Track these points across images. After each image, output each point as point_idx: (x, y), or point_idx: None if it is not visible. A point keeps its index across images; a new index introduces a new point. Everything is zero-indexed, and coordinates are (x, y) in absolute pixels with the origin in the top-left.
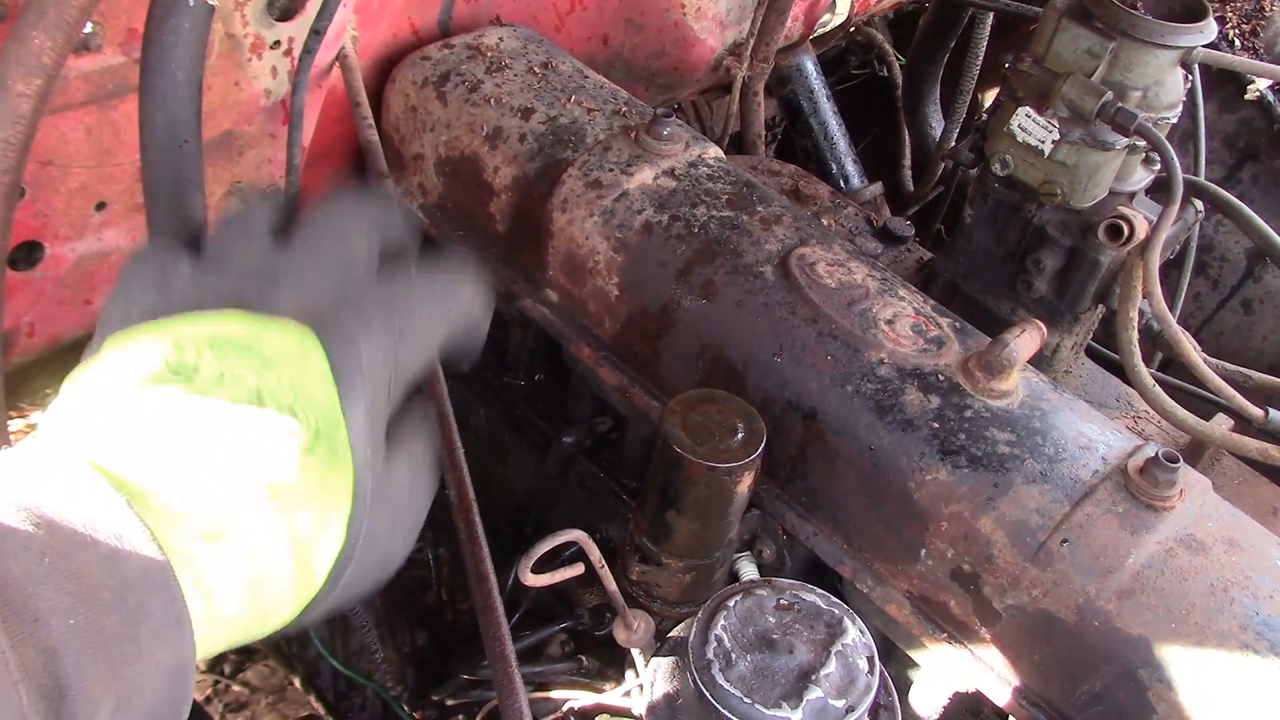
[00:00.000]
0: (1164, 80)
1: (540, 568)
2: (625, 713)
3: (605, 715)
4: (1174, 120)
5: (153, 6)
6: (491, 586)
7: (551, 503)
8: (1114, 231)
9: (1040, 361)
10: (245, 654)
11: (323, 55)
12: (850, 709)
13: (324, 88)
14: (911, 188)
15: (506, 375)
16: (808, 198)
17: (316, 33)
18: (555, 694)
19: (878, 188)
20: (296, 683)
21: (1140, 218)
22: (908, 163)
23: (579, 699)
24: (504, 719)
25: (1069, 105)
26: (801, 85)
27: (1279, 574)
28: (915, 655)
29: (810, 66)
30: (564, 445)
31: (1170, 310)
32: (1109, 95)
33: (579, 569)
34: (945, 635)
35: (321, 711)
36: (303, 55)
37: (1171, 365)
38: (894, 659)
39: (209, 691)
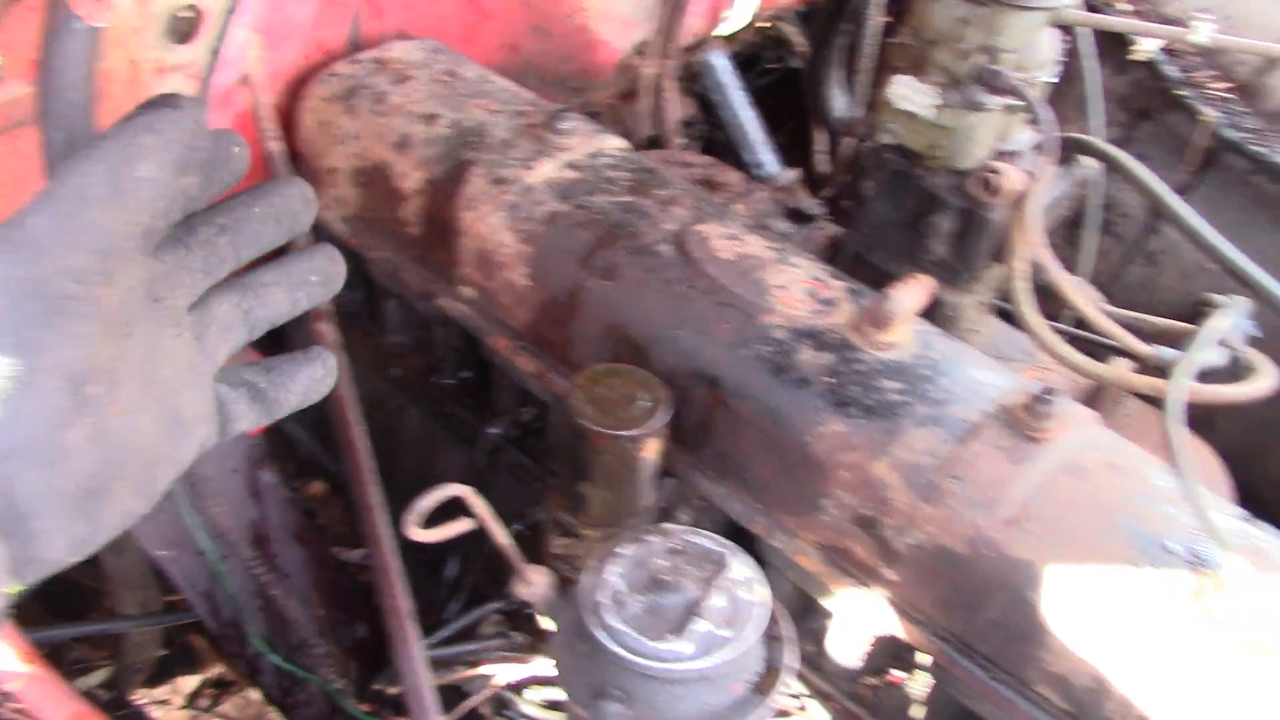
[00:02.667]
0: (1035, 42)
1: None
2: (555, 680)
3: (535, 685)
4: (1049, 79)
5: (44, 35)
6: (386, 547)
7: (483, 494)
8: (987, 184)
9: (945, 320)
10: (221, 686)
11: (225, 75)
12: (736, 637)
13: (232, 107)
14: (827, 170)
15: (433, 375)
16: (720, 185)
17: (215, 53)
18: (486, 669)
19: (794, 174)
20: (273, 715)
21: (1013, 170)
22: (820, 147)
23: (510, 673)
24: (401, 674)
25: (944, 71)
26: (712, 80)
27: (1159, 493)
28: (828, 604)
29: (720, 61)
30: (490, 436)
31: (1079, 268)
32: (981, 58)
33: (468, 524)
34: (853, 580)
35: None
36: (205, 76)
37: (1084, 324)
38: (814, 612)
39: None
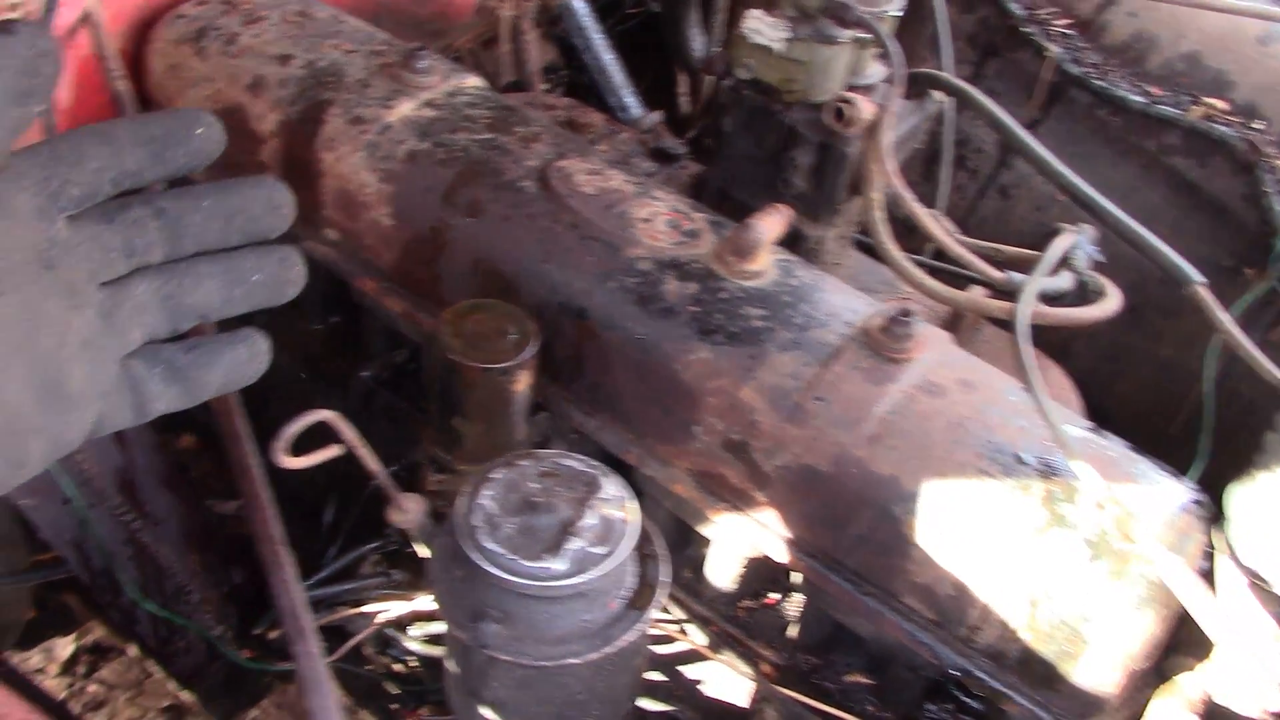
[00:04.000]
0: None
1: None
2: (437, 615)
3: (420, 621)
4: (896, 13)
5: None
6: (255, 475)
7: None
8: (839, 114)
9: (808, 254)
10: (98, 653)
11: (64, 15)
12: (610, 554)
13: (74, 49)
14: (690, 111)
15: (302, 321)
16: (583, 126)
17: None
18: (370, 609)
19: (657, 116)
20: (157, 674)
21: (863, 100)
22: (682, 89)
23: (393, 609)
24: (276, 598)
25: (794, 5)
26: (572, 23)
27: (1010, 407)
28: (705, 530)
29: (578, 4)
30: (362, 380)
31: (936, 203)
32: None
33: (337, 449)
34: (727, 505)
35: (177, 692)
36: (44, 16)
37: (943, 255)
38: (692, 540)
39: (65, 694)
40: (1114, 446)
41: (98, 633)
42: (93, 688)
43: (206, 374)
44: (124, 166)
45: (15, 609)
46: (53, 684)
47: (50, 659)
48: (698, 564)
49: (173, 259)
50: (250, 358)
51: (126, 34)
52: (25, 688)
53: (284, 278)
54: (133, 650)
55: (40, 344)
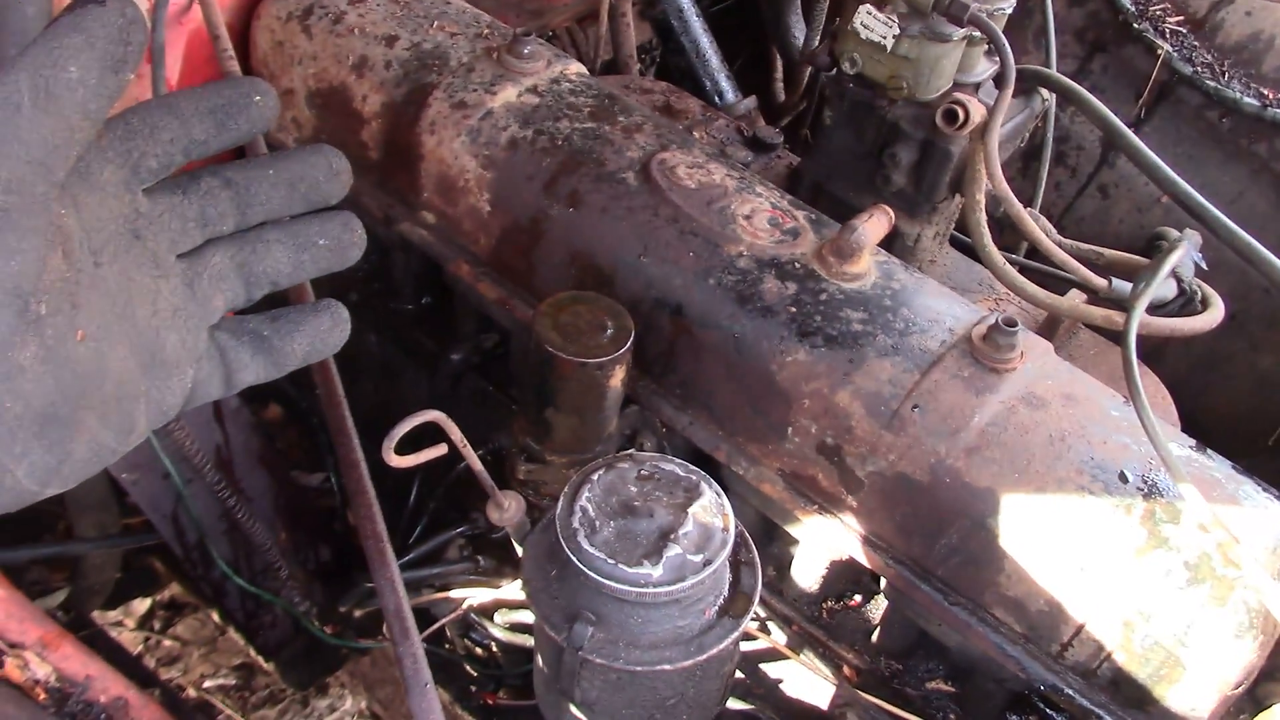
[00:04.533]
0: None
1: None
2: (522, 604)
3: (504, 609)
4: (1008, 10)
5: None
6: (362, 471)
7: None
8: (950, 116)
9: (904, 251)
10: (174, 609)
11: None
12: (708, 562)
13: (184, 25)
14: (784, 99)
15: (393, 301)
16: (679, 112)
17: None
18: (455, 594)
19: (751, 101)
20: (230, 632)
21: (975, 102)
22: (779, 75)
23: (478, 596)
24: (382, 597)
25: (907, 1)
26: (670, 5)
27: (1113, 423)
28: (792, 530)
29: None
30: (451, 362)
31: (1033, 200)
32: None
33: (442, 449)
34: (816, 507)
35: (253, 655)
36: None
37: (1037, 253)
38: (776, 538)
39: (140, 648)
40: (1219, 467)
41: (174, 589)
42: (167, 643)
43: (290, 343)
44: (192, 136)
45: (105, 572)
46: (128, 638)
47: (127, 613)
48: (782, 563)
49: (242, 228)
50: (332, 326)
51: (234, 8)
52: (103, 643)
53: (347, 241)
54: (211, 614)
55: (137, 313)
